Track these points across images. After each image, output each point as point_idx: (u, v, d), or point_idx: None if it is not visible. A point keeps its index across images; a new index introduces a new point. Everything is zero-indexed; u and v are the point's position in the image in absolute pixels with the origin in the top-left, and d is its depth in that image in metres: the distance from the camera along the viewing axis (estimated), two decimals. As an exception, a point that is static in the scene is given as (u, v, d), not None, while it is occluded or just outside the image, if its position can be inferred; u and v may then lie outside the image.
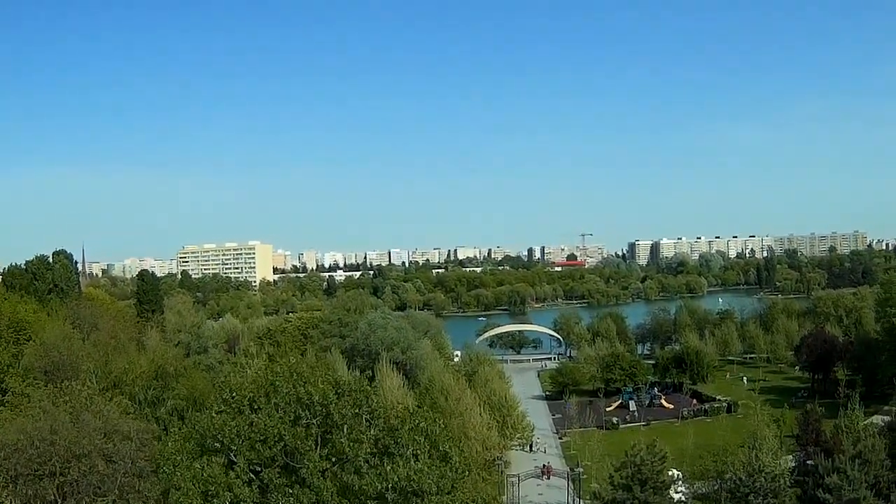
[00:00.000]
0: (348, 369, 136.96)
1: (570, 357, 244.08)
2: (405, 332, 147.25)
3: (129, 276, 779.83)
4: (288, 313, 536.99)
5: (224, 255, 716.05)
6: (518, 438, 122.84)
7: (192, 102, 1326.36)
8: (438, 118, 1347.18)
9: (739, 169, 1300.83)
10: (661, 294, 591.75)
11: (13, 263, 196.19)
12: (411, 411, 61.98)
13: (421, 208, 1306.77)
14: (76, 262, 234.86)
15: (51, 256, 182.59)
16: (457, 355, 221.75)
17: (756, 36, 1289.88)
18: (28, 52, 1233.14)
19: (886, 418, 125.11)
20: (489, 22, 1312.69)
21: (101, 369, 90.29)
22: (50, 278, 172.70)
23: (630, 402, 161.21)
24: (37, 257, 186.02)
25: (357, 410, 57.16)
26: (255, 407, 56.23)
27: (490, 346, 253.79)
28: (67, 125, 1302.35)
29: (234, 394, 57.85)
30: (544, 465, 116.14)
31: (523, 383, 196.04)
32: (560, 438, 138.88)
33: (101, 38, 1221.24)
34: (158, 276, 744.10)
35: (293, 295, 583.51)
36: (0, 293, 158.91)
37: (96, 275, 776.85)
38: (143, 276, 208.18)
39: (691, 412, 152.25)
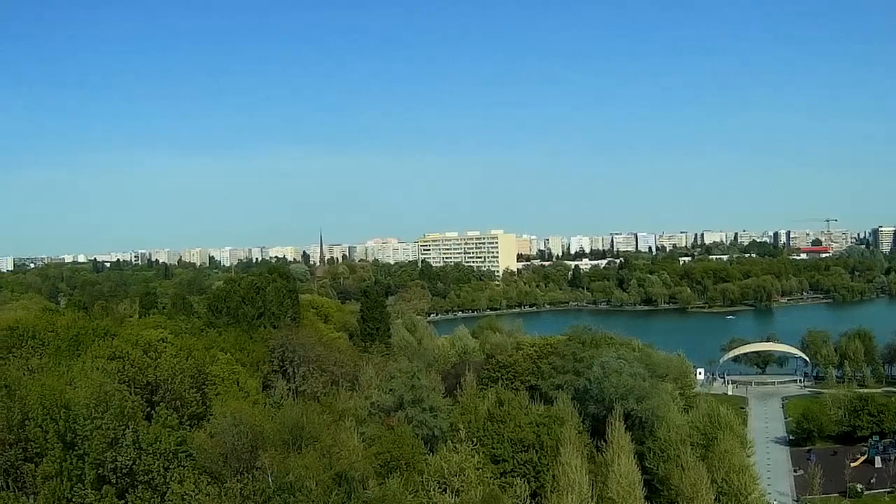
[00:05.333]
0: (579, 416, 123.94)
1: (815, 378, 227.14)
2: (641, 379, 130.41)
3: (370, 258, 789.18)
4: (531, 306, 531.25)
5: (466, 243, 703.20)
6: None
7: (431, 86, 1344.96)
8: (678, 95, 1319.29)
9: None
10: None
11: (222, 284, 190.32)
12: None
13: (667, 187, 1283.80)
14: (295, 279, 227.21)
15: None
16: (700, 374, 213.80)
17: None
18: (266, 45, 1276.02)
19: None
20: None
21: (279, 465, 77.23)
22: (260, 302, 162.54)
23: (876, 457, 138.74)
24: (249, 280, 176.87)
25: None
26: None
27: (735, 361, 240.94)
28: (304, 108, 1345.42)
29: None
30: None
31: (766, 416, 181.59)
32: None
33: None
34: (400, 258, 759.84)
35: (536, 286, 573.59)
36: (194, 325, 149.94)
37: (336, 259, 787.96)
38: (368, 292, 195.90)
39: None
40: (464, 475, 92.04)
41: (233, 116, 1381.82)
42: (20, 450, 72.69)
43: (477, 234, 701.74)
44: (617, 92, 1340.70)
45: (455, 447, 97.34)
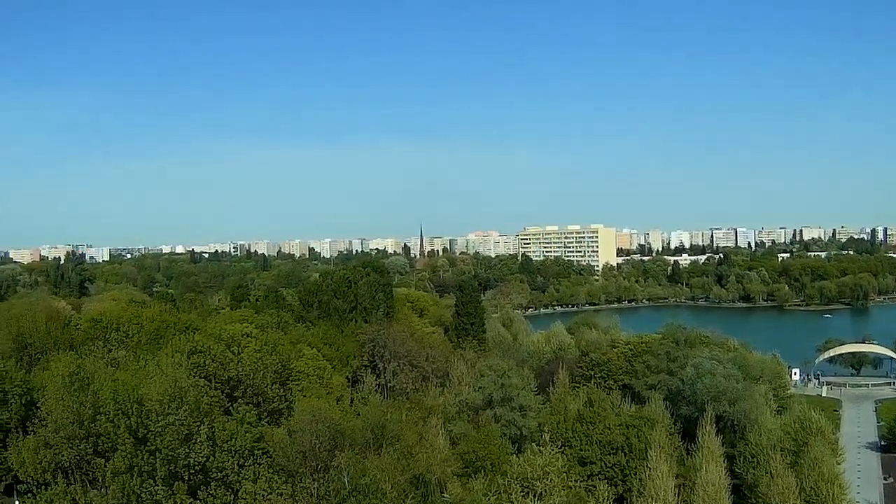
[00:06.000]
0: (671, 417, 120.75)
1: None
2: (734, 380, 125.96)
3: (471, 251, 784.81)
4: (629, 301, 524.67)
5: (566, 237, 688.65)
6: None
7: (535, 80, 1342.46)
8: (781, 93, 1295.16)
9: None
10: None
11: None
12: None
13: (767, 182, 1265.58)
14: (389, 273, 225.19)
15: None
16: (794, 375, 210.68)
17: None
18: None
19: None
20: None
21: (356, 466, 74.13)
22: (352, 296, 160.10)
23: None
24: (342, 274, 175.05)
25: None
26: None
27: (830, 362, 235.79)
28: (407, 101, 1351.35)
29: None
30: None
31: (859, 420, 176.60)
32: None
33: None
34: (500, 252, 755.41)
35: (636, 281, 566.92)
36: (282, 319, 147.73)
37: (437, 252, 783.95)
38: (463, 287, 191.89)
39: None
40: (547, 478, 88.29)
41: (336, 108, 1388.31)
42: (91, 444, 70.91)
43: (577, 227, 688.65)
44: (718, 88, 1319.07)
45: (539, 450, 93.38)
